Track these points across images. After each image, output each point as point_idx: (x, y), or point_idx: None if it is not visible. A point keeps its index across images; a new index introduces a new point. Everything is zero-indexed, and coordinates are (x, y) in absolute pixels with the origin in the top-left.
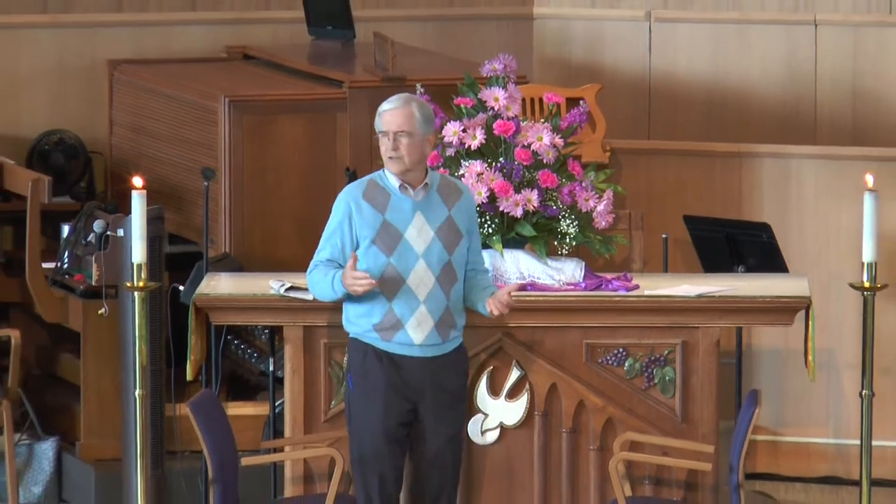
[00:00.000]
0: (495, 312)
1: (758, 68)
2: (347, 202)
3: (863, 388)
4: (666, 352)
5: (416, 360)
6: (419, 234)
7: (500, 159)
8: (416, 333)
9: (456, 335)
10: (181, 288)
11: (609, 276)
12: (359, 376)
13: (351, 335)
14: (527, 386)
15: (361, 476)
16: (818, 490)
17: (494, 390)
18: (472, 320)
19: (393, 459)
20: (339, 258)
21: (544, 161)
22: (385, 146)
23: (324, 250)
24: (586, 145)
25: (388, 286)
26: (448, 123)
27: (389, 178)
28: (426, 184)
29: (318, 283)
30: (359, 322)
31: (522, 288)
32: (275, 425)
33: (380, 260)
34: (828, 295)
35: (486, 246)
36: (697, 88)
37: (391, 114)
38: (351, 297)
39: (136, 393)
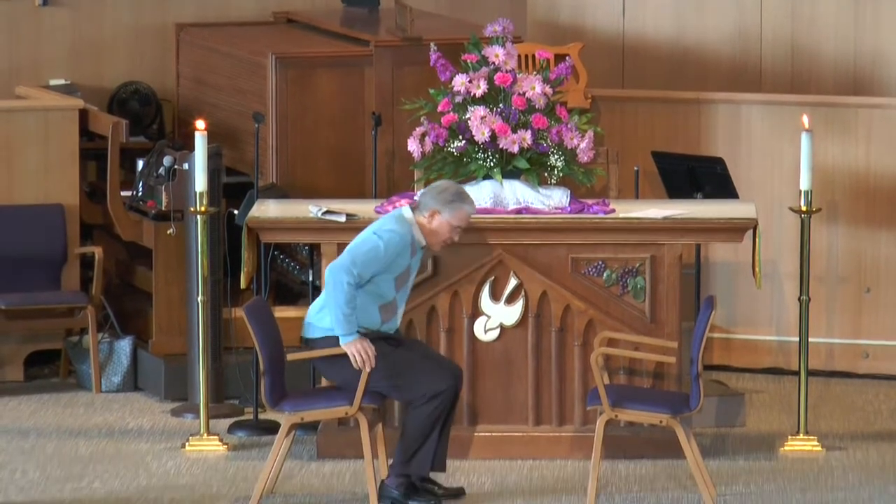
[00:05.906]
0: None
1: (713, 29)
2: (406, 245)
3: (801, 294)
4: (637, 264)
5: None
6: (413, 272)
7: (500, 105)
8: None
9: None
10: (236, 212)
11: (590, 201)
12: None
13: None
14: (522, 292)
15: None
16: (763, 379)
17: (495, 296)
18: (477, 238)
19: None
20: (371, 275)
21: (536, 107)
22: (449, 234)
23: (365, 268)
24: (571, 94)
25: (387, 312)
26: (457, 76)
27: (417, 233)
28: None
29: (344, 304)
30: None
31: (518, 211)
32: None
33: (391, 293)
34: (771, 217)
35: (487, 177)
36: (663, 46)
37: (471, 218)
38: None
39: (199, 299)
